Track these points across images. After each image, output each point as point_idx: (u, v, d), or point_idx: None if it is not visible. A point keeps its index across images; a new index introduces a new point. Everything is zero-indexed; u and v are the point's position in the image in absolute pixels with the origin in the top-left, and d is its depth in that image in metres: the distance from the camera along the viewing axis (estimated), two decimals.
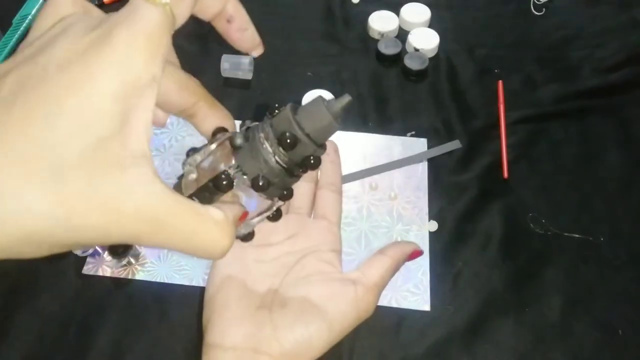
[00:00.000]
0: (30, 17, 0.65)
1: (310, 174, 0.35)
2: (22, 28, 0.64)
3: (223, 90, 0.60)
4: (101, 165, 0.17)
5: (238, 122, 0.26)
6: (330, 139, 0.27)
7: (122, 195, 0.17)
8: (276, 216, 0.27)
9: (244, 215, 0.25)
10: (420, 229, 0.50)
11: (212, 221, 0.20)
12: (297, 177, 0.26)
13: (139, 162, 0.17)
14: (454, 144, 0.55)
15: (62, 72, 0.17)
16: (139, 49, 0.18)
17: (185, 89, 0.24)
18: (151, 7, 0.18)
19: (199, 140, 0.25)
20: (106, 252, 0.46)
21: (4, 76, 0.17)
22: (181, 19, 0.21)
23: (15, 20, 0.65)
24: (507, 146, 0.55)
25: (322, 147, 0.26)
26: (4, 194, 0.16)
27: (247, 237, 0.26)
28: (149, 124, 0.18)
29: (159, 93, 0.19)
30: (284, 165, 0.24)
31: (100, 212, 0.17)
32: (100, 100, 0.17)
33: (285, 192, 0.26)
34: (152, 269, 0.47)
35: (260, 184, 0.24)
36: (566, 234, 0.50)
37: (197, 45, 0.63)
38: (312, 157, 0.25)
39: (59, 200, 0.16)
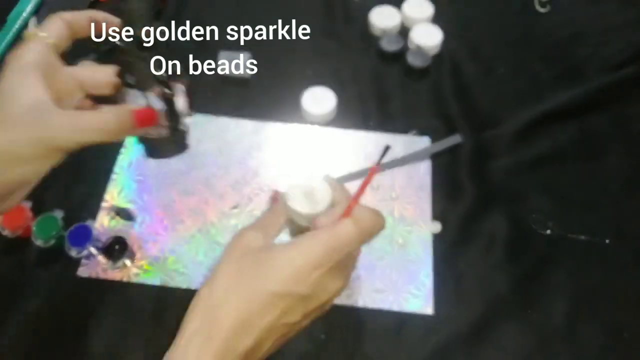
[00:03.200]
0: (25, 14, 0.64)
1: None
2: (16, 25, 0.64)
3: (221, 87, 0.59)
4: (17, 107, 0.32)
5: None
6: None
7: (27, 114, 0.32)
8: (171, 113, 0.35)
9: (149, 114, 0.35)
10: (422, 230, 0.49)
11: (97, 112, 0.34)
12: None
13: (35, 100, 0.32)
14: (455, 139, 0.54)
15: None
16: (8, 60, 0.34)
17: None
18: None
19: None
20: (101, 255, 0.45)
21: None
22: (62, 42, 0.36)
23: (10, 18, 0.64)
24: (512, 147, 0.54)
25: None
26: None
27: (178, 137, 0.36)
28: (41, 89, 0.33)
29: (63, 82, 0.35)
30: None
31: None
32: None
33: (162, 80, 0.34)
34: (148, 271, 0.46)
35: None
36: (571, 235, 0.49)
37: (194, 42, 0.62)
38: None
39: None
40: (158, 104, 0.34)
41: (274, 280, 0.32)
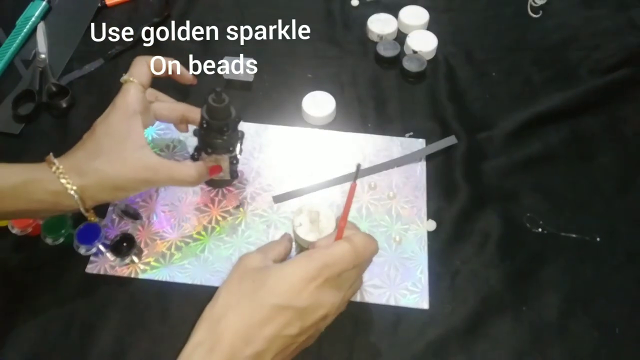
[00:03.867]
0: (33, 18, 0.66)
1: None
2: (25, 30, 0.65)
3: (224, 91, 0.60)
4: (129, 151, 0.42)
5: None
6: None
7: (138, 160, 0.42)
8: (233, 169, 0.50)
9: (218, 168, 0.47)
10: (418, 228, 0.50)
11: (185, 165, 0.45)
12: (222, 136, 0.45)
13: (141, 147, 0.43)
14: (450, 140, 0.55)
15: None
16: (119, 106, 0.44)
17: (173, 110, 0.49)
18: (124, 85, 0.45)
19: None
20: (109, 252, 0.47)
21: (90, 136, 0.43)
22: (145, 83, 0.46)
23: (18, 22, 0.66)
24: (506, 148, 0.55)
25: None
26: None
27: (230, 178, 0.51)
28: (142, 132, 0.43)
29: (149, 117, 0.46)
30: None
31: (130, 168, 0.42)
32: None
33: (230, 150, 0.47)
34: (155, 267, 0.48)
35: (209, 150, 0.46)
36: (563, 233, 0.50)
37: (198, 47, 0.64)
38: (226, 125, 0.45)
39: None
40: (225, 163, 0.48)
41: (272, 293, 0.34)
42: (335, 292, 0.36)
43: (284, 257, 0.42)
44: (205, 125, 0.44)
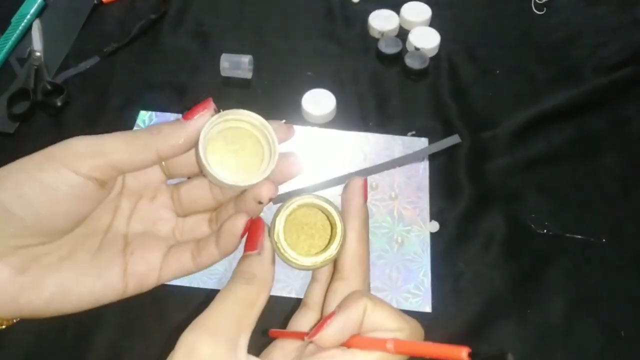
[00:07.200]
0: (29, 16, 0.65)
1: None
2: (20, 27, 0.64)
3: (222, 89, 0.59)
4: None
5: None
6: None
7: None
8: None
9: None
10: (421, 229, 0.49)
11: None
12: None
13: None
14: (453, 139, 0.54)
15: None
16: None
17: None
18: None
19: None
20: None
21: None
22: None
23: (13, 20, 0.65)
24: (510, 147, 0.54)
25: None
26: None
27: None
28: None
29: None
30: None
31: None
32: None
33: None
34: None
35: None
36: (568, 235, 0.49)
37: (196, 45, 0.63)
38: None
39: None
40: None
41: None
42: None
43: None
44: None
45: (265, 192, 0.24)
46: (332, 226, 0.27)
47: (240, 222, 0.25)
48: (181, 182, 0.29)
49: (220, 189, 0.27)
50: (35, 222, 0.23)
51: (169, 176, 0.29)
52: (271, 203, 0.26)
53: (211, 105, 0.25)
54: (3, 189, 0.23)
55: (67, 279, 0.25)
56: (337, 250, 0.27)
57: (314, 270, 0.27)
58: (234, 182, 0.25)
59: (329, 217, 0.27)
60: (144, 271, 0.26)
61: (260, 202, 0.25)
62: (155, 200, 0.28)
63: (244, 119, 0.26)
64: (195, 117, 0.25)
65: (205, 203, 0.28)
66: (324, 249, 0.27)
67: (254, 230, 0.26)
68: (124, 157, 0.24)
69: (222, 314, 0.24)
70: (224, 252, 0.26)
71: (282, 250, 0.26)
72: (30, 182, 0.23)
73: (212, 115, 0.25)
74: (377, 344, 0.23)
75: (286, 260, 0.27)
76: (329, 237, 0.27)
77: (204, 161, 0.25)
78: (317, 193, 0.29)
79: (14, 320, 0.26)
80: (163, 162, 0.28)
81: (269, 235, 0.27)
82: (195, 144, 0.25)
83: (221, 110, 0.27)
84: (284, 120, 0.30)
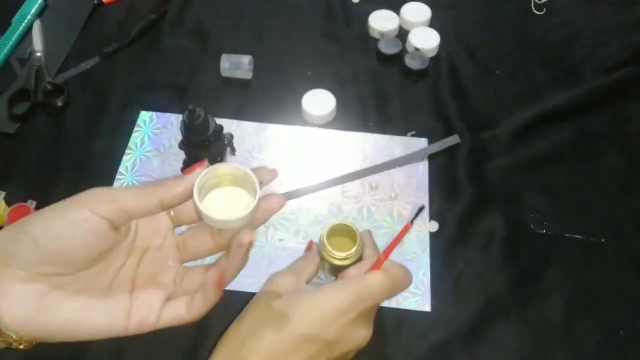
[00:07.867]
0: (29, 16, 0.65)
1: None
2: (21, 27, 0.64)
3: (222, 89, 0.59)
4: None
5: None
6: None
7: None
8: None
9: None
10: (421, 229, 0.49)
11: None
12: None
13: None
14: (453, 139, 0.54)
15: None
16: None
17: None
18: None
19: None
20: None
21: None
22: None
23: (14, 20, 0.65)
24: (510, 147, 0.55)
25: None
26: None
27: None
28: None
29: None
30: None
31: None
32: None
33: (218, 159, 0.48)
34: None
35: None
36: (568, 234, 0.49)
37: (197, 45, 0.63)
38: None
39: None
40: None
41: (301, 322, 0.33)
42: (366, 327, 0.35)
43: (314, 276, 0.40)
44: (186, 143, 0.43)
45: (245, 238, 0.30)
46: (354, 238, 0.40)
47: (216, 272, 0.30)
48: (186, 230, 0.34)
49: (218, 231, 0.32)
50: (58, 252, 0.27)
51: (177, 224, 0.33)
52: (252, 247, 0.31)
53: (205, 163, 0.30)
54: (34, 224, 0.28)
55: (79, 309, 0.29)
56: (356, 250, 0.39)
57: (341, 265, 0.39)
58: (222, 218, 0.29)
59: (351, 232, 0.40)
60: (145, 314, 0.30)
61: (240, 246, 0.30)
62: (163, 248, 0.32)
63: (231, 172, 0.31)
64: (193, 171, 0.30)
65: (207, 247, 0.33)
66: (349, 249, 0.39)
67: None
68: (133, 203, 0.29)
69: (291, 267, 0.39)
70: (208, 304, 0.30)
71: (325, 247, 0.39)
72: (56, 218, 0.28)
73: (206, 168, 0.30)
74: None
75: (327, 255, 0.39)
76: (354, 244, 0.39)
77: (197, 203, 0.29)
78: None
79: (33, 343, 0.30)
80: (171, 212, 0.32)
81: (319, 241, 0.40)
82: (192, 194, 0.30)
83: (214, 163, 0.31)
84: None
